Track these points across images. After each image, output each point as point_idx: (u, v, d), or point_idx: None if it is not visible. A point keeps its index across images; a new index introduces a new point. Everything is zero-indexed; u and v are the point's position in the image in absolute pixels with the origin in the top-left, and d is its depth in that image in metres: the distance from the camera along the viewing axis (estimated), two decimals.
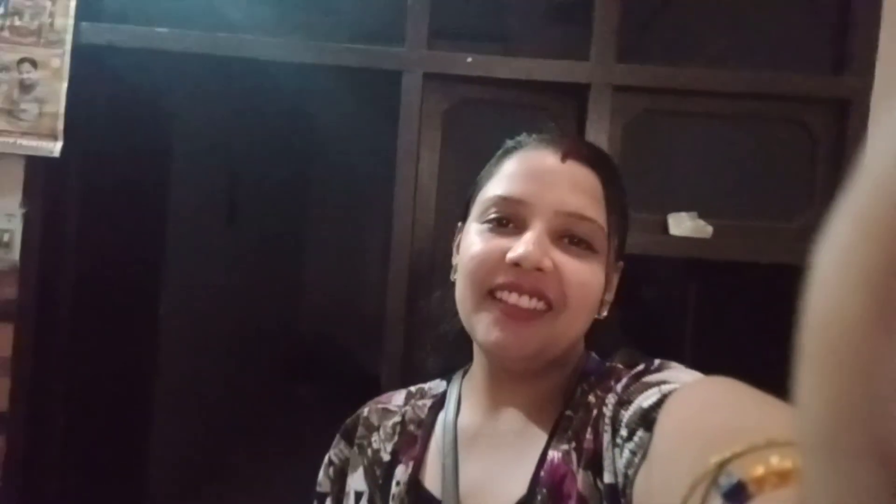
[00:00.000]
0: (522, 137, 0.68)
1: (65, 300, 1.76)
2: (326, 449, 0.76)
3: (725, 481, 0.28)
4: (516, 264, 0.58)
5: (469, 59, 1.68)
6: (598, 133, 1.66)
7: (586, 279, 0.60)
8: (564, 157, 0.62)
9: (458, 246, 0.69)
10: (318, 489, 0.75)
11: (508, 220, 0.62)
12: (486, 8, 2.39)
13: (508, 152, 0.66)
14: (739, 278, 1.81)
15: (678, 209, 1.66)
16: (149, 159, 2.45)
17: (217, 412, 3.49)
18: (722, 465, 0.28)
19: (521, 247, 0.58)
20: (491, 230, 0.62)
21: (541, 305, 0.59)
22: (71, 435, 1.82)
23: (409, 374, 1.68)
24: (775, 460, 0.27)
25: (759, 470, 0.27)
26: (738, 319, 1.84)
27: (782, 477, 0.26)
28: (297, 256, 5.03)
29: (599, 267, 0.62)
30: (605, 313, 0.66)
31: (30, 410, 1.66)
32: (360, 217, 4.97)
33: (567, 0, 2.56)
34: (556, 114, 1.78)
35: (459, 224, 0.70)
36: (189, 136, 2.88)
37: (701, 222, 1.63)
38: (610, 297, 0.67)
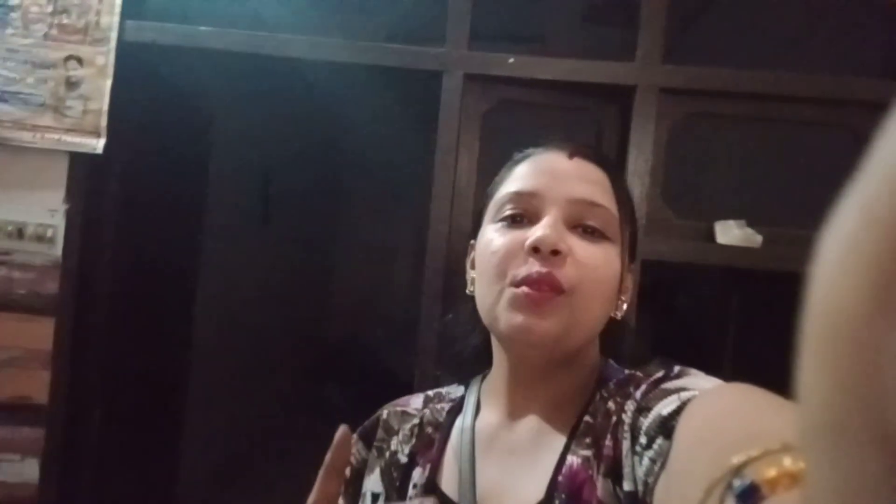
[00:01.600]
0: (530, 149, 0.70)
1: (103, 296, 1.78)
2: None
3: (739, 483, 0.28)
4: (535, 249, 0.59)
5: (511, 60, 1.66)
6: (643, 136, 1.61)
7: (599, 263, 0.62)
8: (572, 155, 0.65)
9: (473, 261, 0.71)
10: None
11: (523, 215, 0.63)
12: (524, 9, 2.37)
13: (517, 162, 0.69)
14: (784, 289, 1.74)
15: (725, 216, 1.60)
16: (187, 158, 2.47)
17: (249, 410, 3.51)
18: (737, 469, 0.29)
19: (538, 230, 0.60)
20: (507, 226, 0.64)
21: (556, 293, 0.60)
22: (107, 428, 1.84)
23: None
24: (788, 462, 0.27)
25: (772, 472, 0.27)
26: (782, 331, 1.78)
27: (795, 478, 0.27)
28: (331, 258, 5.05)
29: (614, 254, 0.63)
30: (620, 314, 0.67)
31: (68, 404, 1.68)
32: (393, 219, 4.97)
33: (606, 1, 2.52)
34: (598, 117, 1.74)
35: (472, 242, 0.71)
36: (227, 135, 2.90)
37: (750, 231, 1.57)
38: (626, 297, 0.67)
